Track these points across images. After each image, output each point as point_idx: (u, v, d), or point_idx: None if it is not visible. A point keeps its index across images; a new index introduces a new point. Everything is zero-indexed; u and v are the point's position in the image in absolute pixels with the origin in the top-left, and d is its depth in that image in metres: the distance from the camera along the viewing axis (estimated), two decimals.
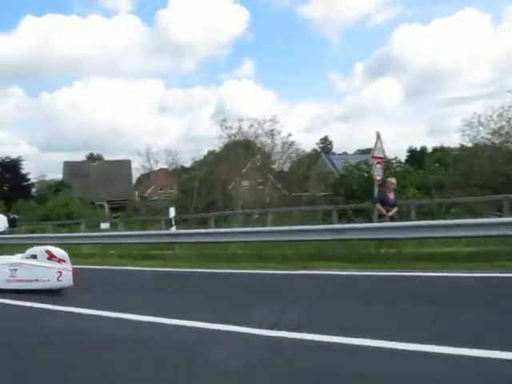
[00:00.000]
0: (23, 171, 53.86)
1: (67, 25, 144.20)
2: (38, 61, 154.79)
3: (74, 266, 7.29)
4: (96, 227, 20.62)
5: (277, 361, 3.61)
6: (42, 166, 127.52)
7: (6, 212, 25.78)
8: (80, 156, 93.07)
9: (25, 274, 7.55)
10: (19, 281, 7.59)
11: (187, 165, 42.71)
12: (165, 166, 43.70)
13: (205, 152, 41.96)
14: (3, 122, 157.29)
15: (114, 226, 19.68)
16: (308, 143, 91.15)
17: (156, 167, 43.13)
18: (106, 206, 47.36)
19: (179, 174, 41.62)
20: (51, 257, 7.45)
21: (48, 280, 7.33)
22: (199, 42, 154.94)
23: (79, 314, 5.65)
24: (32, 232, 20.85)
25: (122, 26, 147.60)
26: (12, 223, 19.28)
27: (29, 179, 54.45)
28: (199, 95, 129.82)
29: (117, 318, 5.31)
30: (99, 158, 72.97)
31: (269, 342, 4.05)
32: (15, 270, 7.71)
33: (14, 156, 53.83)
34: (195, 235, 11.53)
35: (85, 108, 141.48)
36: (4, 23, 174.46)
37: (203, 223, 16.99)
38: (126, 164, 53.50)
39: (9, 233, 17.94)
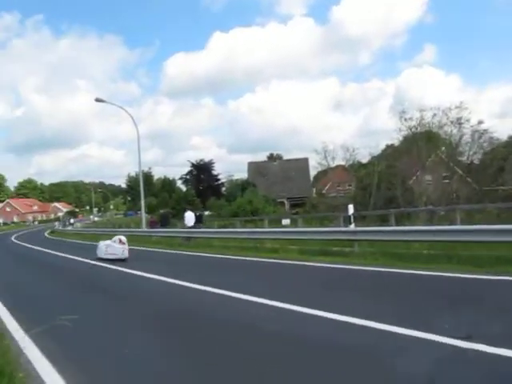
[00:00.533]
0: (214, 172, 60.64)
1: (249, 36, 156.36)
2: (225, 72, 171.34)
3: (260, 260, 8.50)
4: (278, 223, 21.73)
5: (468, 378, 3.19)
6: (230, 166, 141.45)
7: (202, 209, 29.15)
8: (262, 156, 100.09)
9: (111, 250, 13.74)
10: (109, 254, 13.70)
11: (364, 160, 41.78)
12: (342, 163, 43.53)
13: (383, 146, 40.45)
14: (198, 130, 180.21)
15: (293, 222, 20.44)
16: (503, 130, 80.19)
17: (333, 164, 43.24)
18: (286, 202, 49.73)
19: (356, 169, 41.03)
20: (120, 241, 13.76)
21: (119, 254, 13.33)
22: (373, 33, 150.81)
23: (271, 306, 5.97)
24: (223, 227, 23.12)
25: (297, 29, 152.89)
26: (199, 219, 21.97)
27: (219, 179, 60.99)
28: (375, 88, 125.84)
29: (293, 311, 5.45)
30: (279, 157, 77.06)
31: (460, 354, 3.63)
32: (107, 247, 14.00)
33: (206, 159, 61.04)
34: (375, 233, 11.16)
35: (265, 111, 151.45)
36: (196, 43, 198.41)
37: (383, 220, 16.36)
38: (304, 162, 55.21)
39: (197, 228, 20.48)
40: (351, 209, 11.98)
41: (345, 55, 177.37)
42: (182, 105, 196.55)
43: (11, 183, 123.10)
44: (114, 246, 13.72)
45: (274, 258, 11.50)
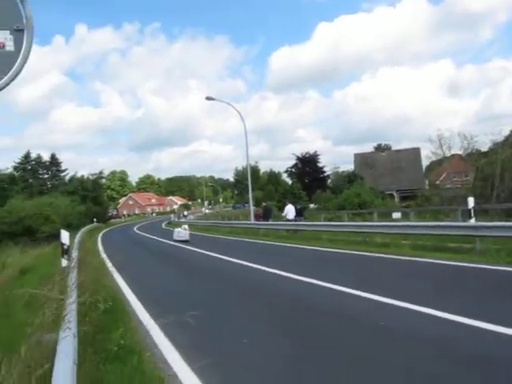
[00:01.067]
0: (320, 164, 60.06)
1: (355, 24, 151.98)
2: (330, 62, 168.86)
3: (369, 254, 10.29)
4: (387, 216, 20.86)
5: None
6: (335, 158, 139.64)
7: (306, 202, 28.94)
8: (368, 147, 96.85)
9: (180, 234, 21.01)
10: (179, 237, 20.82)
11: (485, 148, 38.03)
12: (459, 152, 40.12)
13: (506, 132, 36.43)
14: (303, 123, 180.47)
15: (405, 216, 19.46)
16: None
17: (449, 153, 40.02)
18: (395, 195, 47.61)
19: (476, 159, 37.56)
20: (184, 229, 21.27)
21: (184, 237, 20.38)
22: (496, 5, 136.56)
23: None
24: (330, 220, 22.87)
25: (407, 11, 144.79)
26: (299, 213, 22.05)
27: (324, 172, 60.32)
28: (497, 68, 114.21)
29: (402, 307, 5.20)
30: (387, 147, 74.00)
31: None
32: (178, 233, 21.39)
33: (311, 151, 60.73)
34: (500, 228, 10.05)
35: (372, 100, 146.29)
36: (300, 35, 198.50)
37: (509, 215, 14.85)
38: (415, 152, 52.29)
39: (297, 221, 20.61)
40: (471, 202, 11.04)
41: (461, 34, 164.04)
42: (287, 98, 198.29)
43: (133, 179, 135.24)
44: (182, 232, 21.25)
45: (385, 253, 11.09)
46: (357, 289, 6.65)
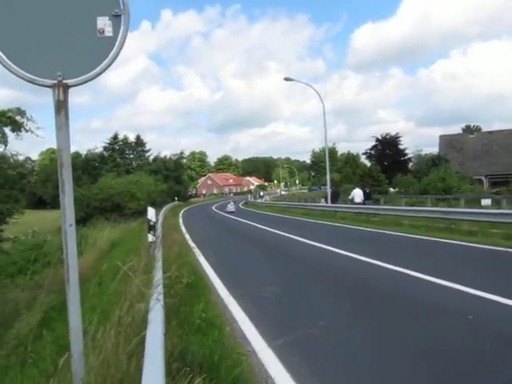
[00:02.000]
0: (401, 147, 57.40)
1: None
2: (416, 38, 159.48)
3: (454, 242, 9.94)
4: (475, 203, 19.56)
5: None
6: (418, 140, 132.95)
7: (385, 185, 27.91)
8: (456, 129, 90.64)
9: (229, 208, 34.08)
10: (228, 210, 33.65)
11: None
12: None
13: None
14: (384, 103, 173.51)
15: (496, 203, 18.11)
16: None
17: None
18: (484, 180, 44.41)
19: None
20: (231, 204, 35.70)
21: (232, 209, 33.55)
22: None
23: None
24: (411, 205, 21.95)
25: None
26: (368, 196, 22.07)
27: (406, 154, 57.58)
28: None
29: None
30: (476, 129, 68.97)
31: None
32: (227, 207, 34.76)
33: (392, 133, 58.17)
34: None
35: (462, 78, 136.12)
36: (385, 11, 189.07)
37: None
38: (510, 134, 48.15)
39: (365, 204, 20.52)
40: None
41: None
42: (368, 78, 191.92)
43: (211, 159, 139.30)
44: (229, 206, 33.64)
45: (471, 242, 10.42)
46: (450, 280, 6.30)
